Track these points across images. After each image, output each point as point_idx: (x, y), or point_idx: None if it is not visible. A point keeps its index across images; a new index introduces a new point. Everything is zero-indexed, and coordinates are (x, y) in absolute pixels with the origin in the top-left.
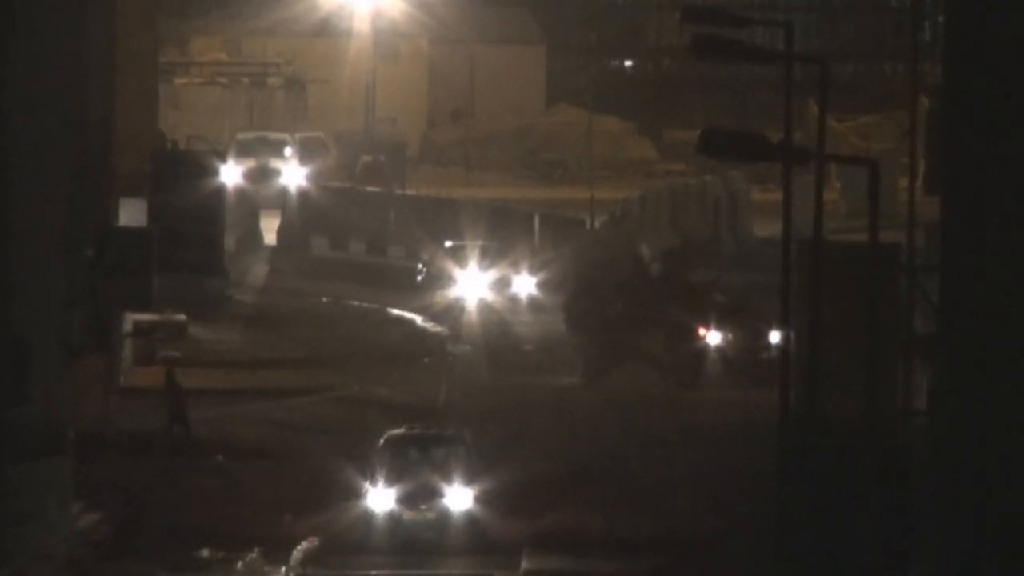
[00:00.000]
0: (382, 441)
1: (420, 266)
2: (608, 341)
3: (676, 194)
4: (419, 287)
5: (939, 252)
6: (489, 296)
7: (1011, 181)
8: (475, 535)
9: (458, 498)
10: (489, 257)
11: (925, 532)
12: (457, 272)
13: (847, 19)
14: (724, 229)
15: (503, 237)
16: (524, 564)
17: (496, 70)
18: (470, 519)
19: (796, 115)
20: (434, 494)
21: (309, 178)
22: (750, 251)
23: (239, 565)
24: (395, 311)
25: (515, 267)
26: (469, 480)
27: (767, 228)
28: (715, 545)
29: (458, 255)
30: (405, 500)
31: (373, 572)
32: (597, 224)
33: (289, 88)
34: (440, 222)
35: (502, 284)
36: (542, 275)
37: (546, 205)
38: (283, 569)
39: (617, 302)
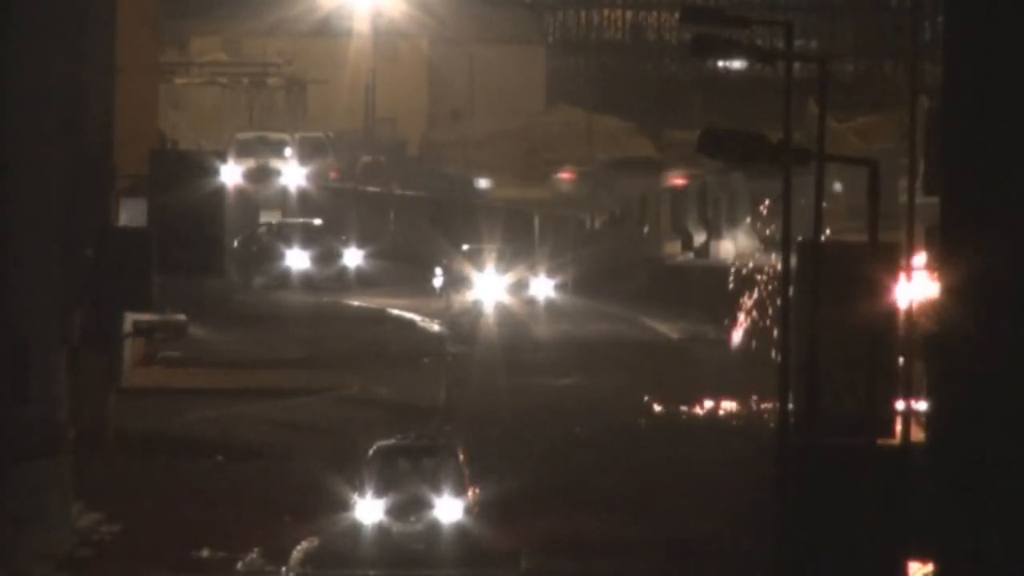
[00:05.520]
0: (371, 452)
1: (438, 269)
2: None
3: (676, 194)
4: (438, 291)
5: (939, 252)
6: (507, 299)
7: (1011, 181)
8: (466, 546)
9: (448, 509)
10: (506, 260)
11: (925, 531)
12: (475, 275)
13: (847, 19)
14: (724, 229)
15: (507, 238)
16: (524, 564)
17: (496, 70)
18: (460, 530)
19: (796, 115)
20: (423, 505)
21: (309, 178)
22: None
23: (239, 565)
24: (395, 311)
25: (533, 270)
26: (459, 491)
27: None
28: (715, 545)
29: (475, 258)
30: (394, 512)
31: (372, 572)
32: (597, 224)
33: (289, 88)
34: (443, 223)
35: (520, 287)
36: (560, 277)
37: (546, 205)
38: (283, 569)
39: None
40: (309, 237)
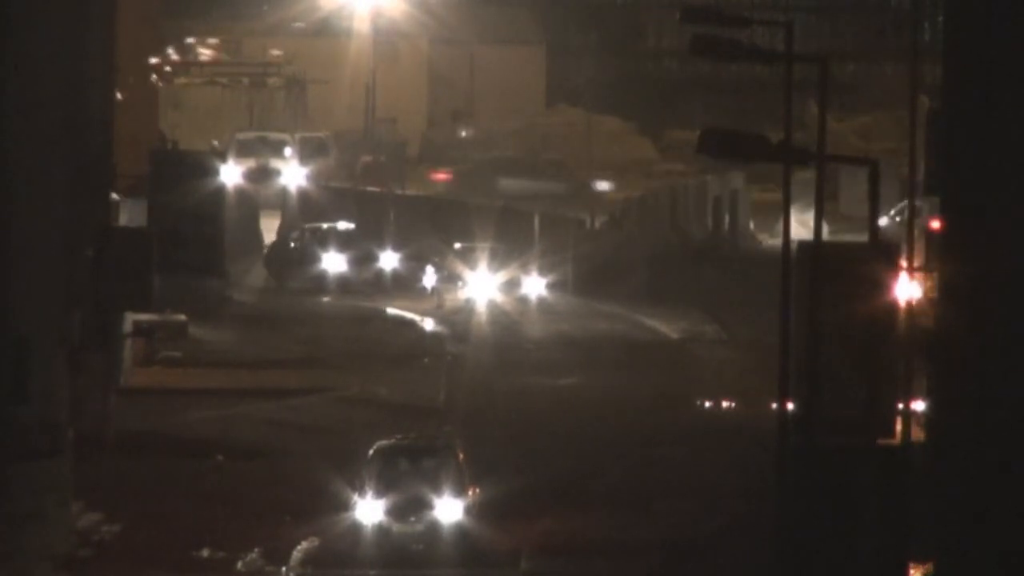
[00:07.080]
0: (371, 452)
1: (430, 268)
2: None
3: (676, 194)
4: (431, 291)
5: (939, 252)
6: (499, 297)
7: (1011, 181)
8: (466, 547)
9: (448, 510)
10: (499, 259)
11: (925, 531)
12: (467, 273)
13: (847, 19)
14: (724, 229)
15: (507, 238)
16: (523, 565)
17: (496, 70)
18: (460, 531)
19: (796, 115)
20: (423, 506)
21: (309, 178)
22: (749, 251)
23: (239, 565)
24: (395, 311)
25: (525, 268)
26: (459, 491)
27: (767, 228)
28: (714, 546)
29: (468, 256)
30: (394, 512)
31: (372, 572)
32: (597, 224)
33: (289, 88)
34: (442, 223)
35: (512, 285)
36: (553, 276)
37: (546, 205)
38: (283, 569)
39: None
40: (344, 240)
